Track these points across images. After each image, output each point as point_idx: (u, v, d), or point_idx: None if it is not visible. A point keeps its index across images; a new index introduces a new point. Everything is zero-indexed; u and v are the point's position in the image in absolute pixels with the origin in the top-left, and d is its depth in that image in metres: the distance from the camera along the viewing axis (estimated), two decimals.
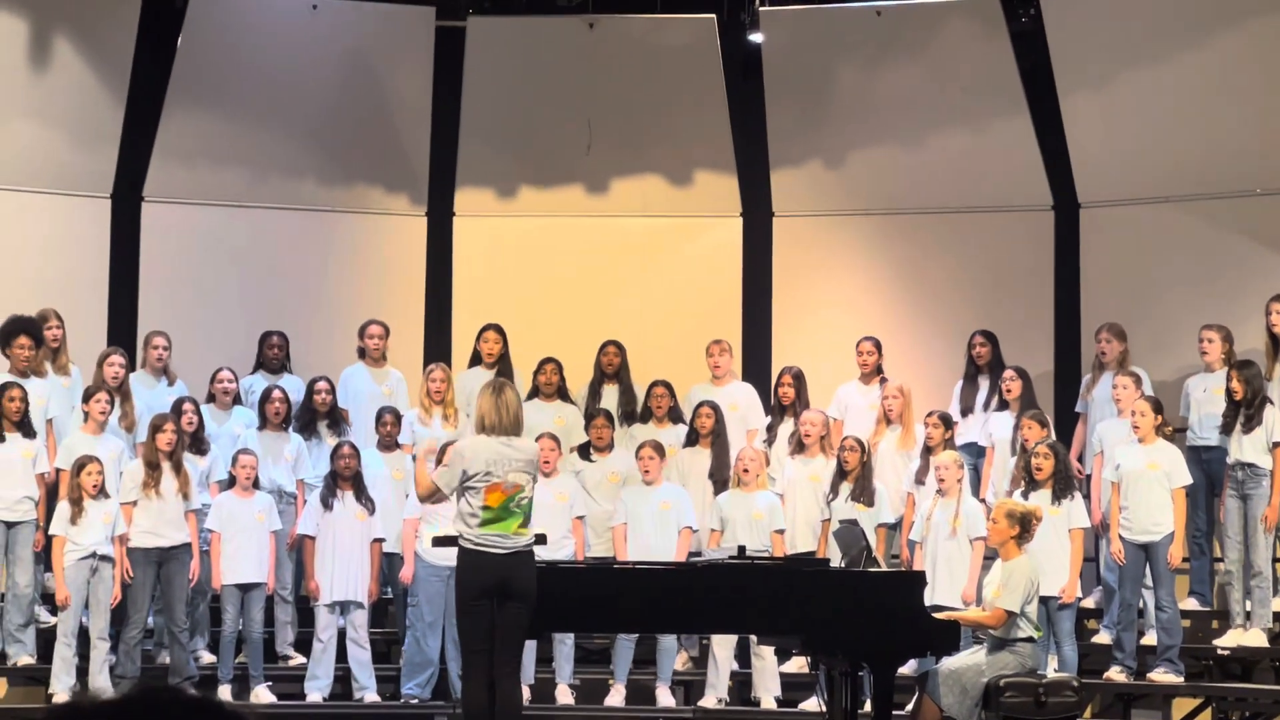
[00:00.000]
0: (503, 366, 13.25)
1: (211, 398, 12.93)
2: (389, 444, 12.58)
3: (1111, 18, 13.77)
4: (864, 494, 12.00)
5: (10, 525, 11.78)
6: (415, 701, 11.89)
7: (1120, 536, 11.58)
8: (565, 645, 12.09)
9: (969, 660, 10.01)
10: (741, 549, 10.44)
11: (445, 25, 14.69)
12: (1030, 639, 9.99)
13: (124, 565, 11.60)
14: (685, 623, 10.44)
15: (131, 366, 12.79)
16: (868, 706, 10.08)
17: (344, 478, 12.04)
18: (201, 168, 14.40)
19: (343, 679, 12.08)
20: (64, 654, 11.44)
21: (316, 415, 12.89)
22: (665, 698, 12.04)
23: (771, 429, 12.92)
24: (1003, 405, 12.61)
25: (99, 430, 12.04)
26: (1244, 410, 11.60)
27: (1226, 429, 11.78)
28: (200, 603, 12.20)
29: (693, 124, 14.71)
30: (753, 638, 11.63)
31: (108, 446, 11.96)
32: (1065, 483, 11.50)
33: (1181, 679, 11.60)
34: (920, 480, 12.09)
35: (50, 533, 11.59)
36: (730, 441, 12.67)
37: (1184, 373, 12.76)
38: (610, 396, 13.26)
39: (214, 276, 14.42)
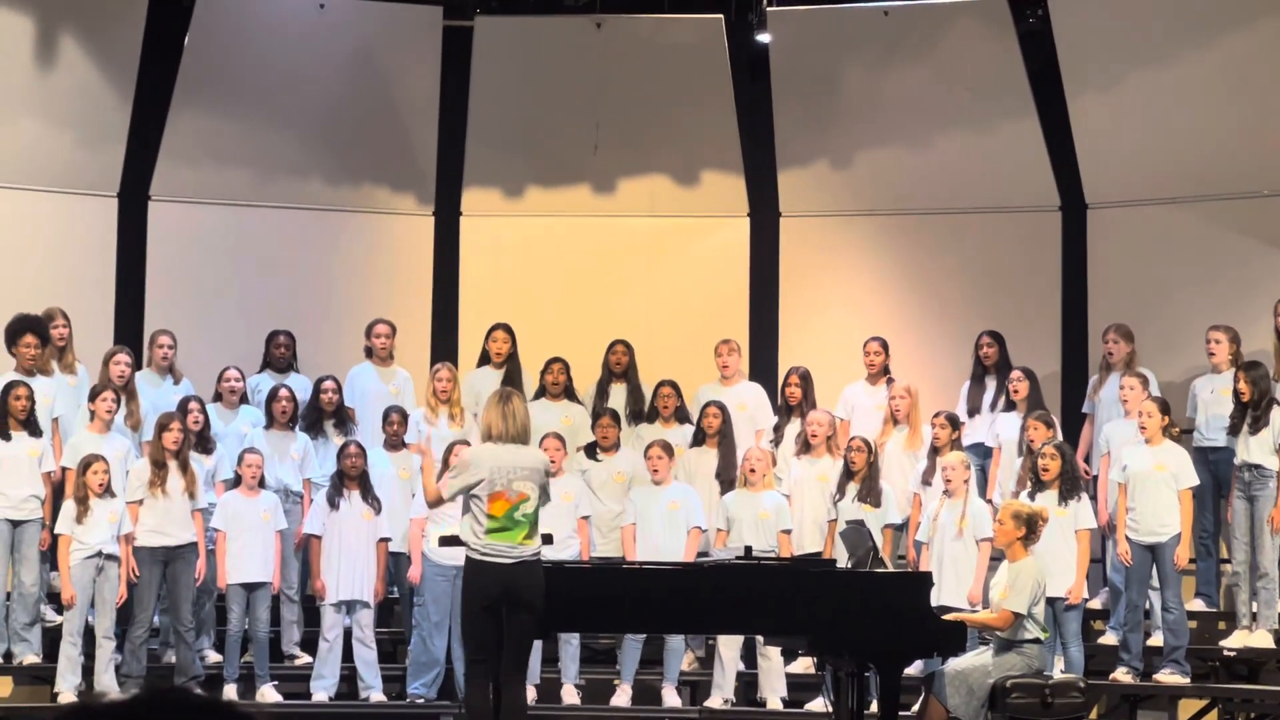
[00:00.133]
0: (511, 366, 13.25)
1: (218, 397, 12.93)
2: (396, 443, 12.58)
3: (1119, 18, 13.76)
4: (870, 494, 11.98)
5: (16, 524, 11.78)
6: (421, 701, 11.89)
7: (1127, 537, 11.57)
8: (571, 645, 12.08)
9: (975, 661, 10.00)
10: (748, 549, 10.44)
11: (452, 25, 14.69)
12: (1037, 640, 9.99)
13: (130, 564, 11.59)
14: (691, 623, 10.43)
15: (137, 365, 12.80)
16: (874, 707, 10.09)
17: (350, 477, 12.04)
18: (208, 167, 14.41)
19: (348, 678, 12.08)
20: (69, 653, 11.44)
21: (323, 414, 12.88)
22: (671, 698, 12.03)
23: (778, 429, 12.91)
24: (1010, 406, 12.60)
25: (105, 429, 12.04)
26: (1251, 411, 11.59)
27: (1234, 430, 11.76)
28: (206, 602, 12.19)
29: (700, 124, 14.70)
30: (759, 638, 11.63)
31: (114, 445, 11.97)
32: (1072, 483, 11.48)
33: (1188, 680, 11.58)
34: (927, 481, 12.08)
35: (56, 532, 11.59)
36: (740, 441, 12.65)
37: (1191, 374, 12.75)
38: (618, 396, 13.25)
39: (220, 276, 14.42)
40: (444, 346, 14.56)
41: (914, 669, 11.23)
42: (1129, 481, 11.60)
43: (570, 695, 12.03)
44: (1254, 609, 11.56)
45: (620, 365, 13.31)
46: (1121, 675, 11.61)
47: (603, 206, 14.88)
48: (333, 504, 12.02)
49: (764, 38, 14.44)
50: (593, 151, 14.65)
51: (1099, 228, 14.13)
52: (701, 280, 14.79)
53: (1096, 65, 13.85)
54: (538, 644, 10.80)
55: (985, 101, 14.23)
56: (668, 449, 12.22)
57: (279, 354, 13.41)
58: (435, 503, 9.63)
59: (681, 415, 13.02)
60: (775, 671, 11.93)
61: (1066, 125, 14.01)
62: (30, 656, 11.73)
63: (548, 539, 9.66)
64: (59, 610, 11.84)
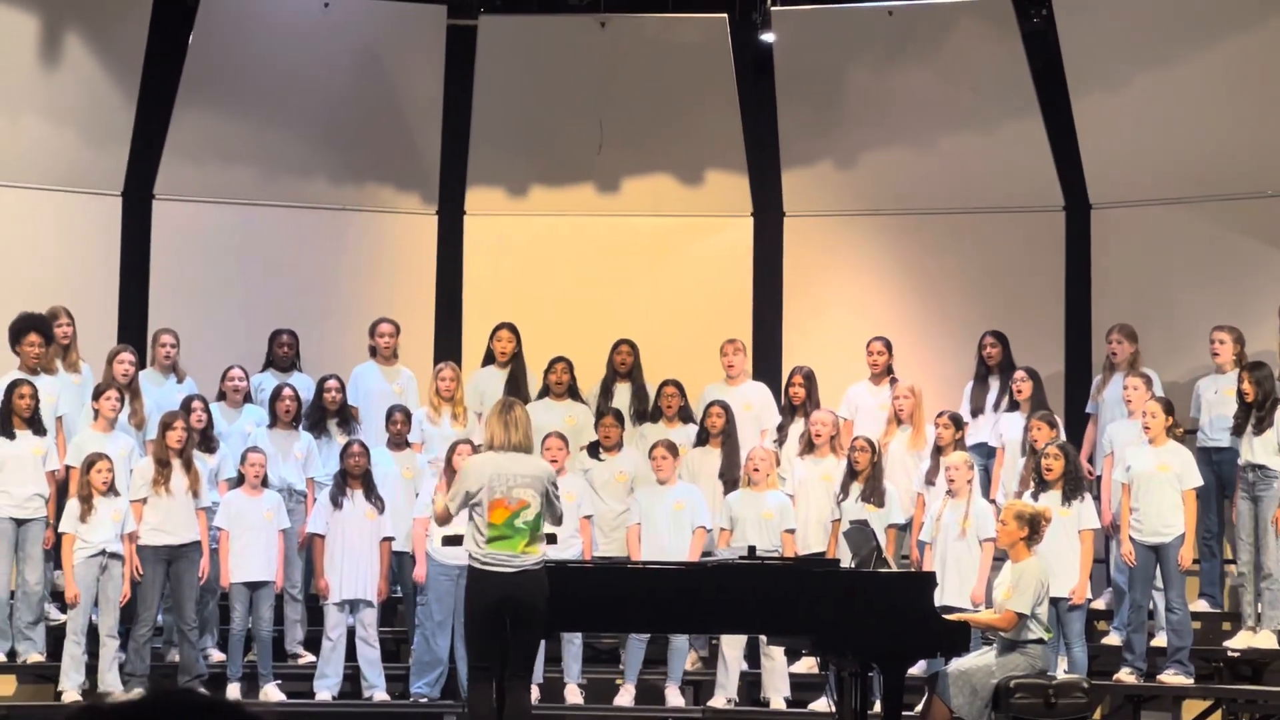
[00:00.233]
0: (515, 365, 13.25)
1: (222, 395, 12.93)
2: (399, 442, 12.58)
3: (1123, 19, 13.75)
4: (874, 494, 11.98)
5: (20, 523, 11.79)
6: (424, 700, 11.89)
7: (1131, 538, 11.57)
8: (573, 645, 12.08)
9: (979, 661, 10.00)
10: (751, 549, 10.43)
11: (457, 24, 14.69)
12: (1040, 640, 9.98)
13: (133, 563, 11.60)
14: (695, 623, 10.43)
15: (141, 364, 12.80)
16: (877, 707, 10.09)
17: (354, 476, 12.04)
18: (212, 166, 14.41)
19: (352, 678, 12.08)
20: (73, 651, 11.44)
21: (326, 413, 12.89)
22: (675, 698, 12.03)
23: (782, 429, 12.91)
24: (1013, 406, 12.59)
25: (109, 428, 12.04)
26: (1255, 412, 11.59)
27: (1238, 430, 11.76)
28: (209, 601, 12.19)
29: (704, 123, 14.70)
30: (762, 638, 11.63)
31: (117, 444, 11.97)
32: (1075, 484, 11.48)
33: (1191, 681, 11.58)
34: (930, 481, 12.08)
35: (60, 530, 11.60)
36: (746, 441, 12.64)
37: (1195, 374, 12.75)
38: (622, 395, 13.24)
39: (225, 274, 14.42)
40: (447, 346, 14.55)
41: (917, 669, 11.20)
42: (1133, 482, 11.60)
43: (573, 695, 12.03)
44: (1258, 610, 11.55)
45: (625, 365, 13.31)
46: (1125, 676, 11.61)
47: (607, 206, 14.88)
48: (336, 503, 12.02)
49: (768, 37, 14.43)
50: (597, 151, 14.64)
51: (1103, 228, 14.12)
52: (705, 280, 14.78)
53: (1100, 65, 13.85)
54: (540, 644, 10.81)
55: (989, 101, 14.22)
56: (672, 449, 12.22)
57: (282, 353, 13.41)
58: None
59: (685, 415, 13.02)
60: (779, 671, 11.93)
61: (1070, 125, 14.00)
62: (34, 655, 11.74)
63: (551, 538, 9.67)
64: (63, 609, 11.85)
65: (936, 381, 13.41)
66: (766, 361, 14.28)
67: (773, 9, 14.26)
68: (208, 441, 12.27)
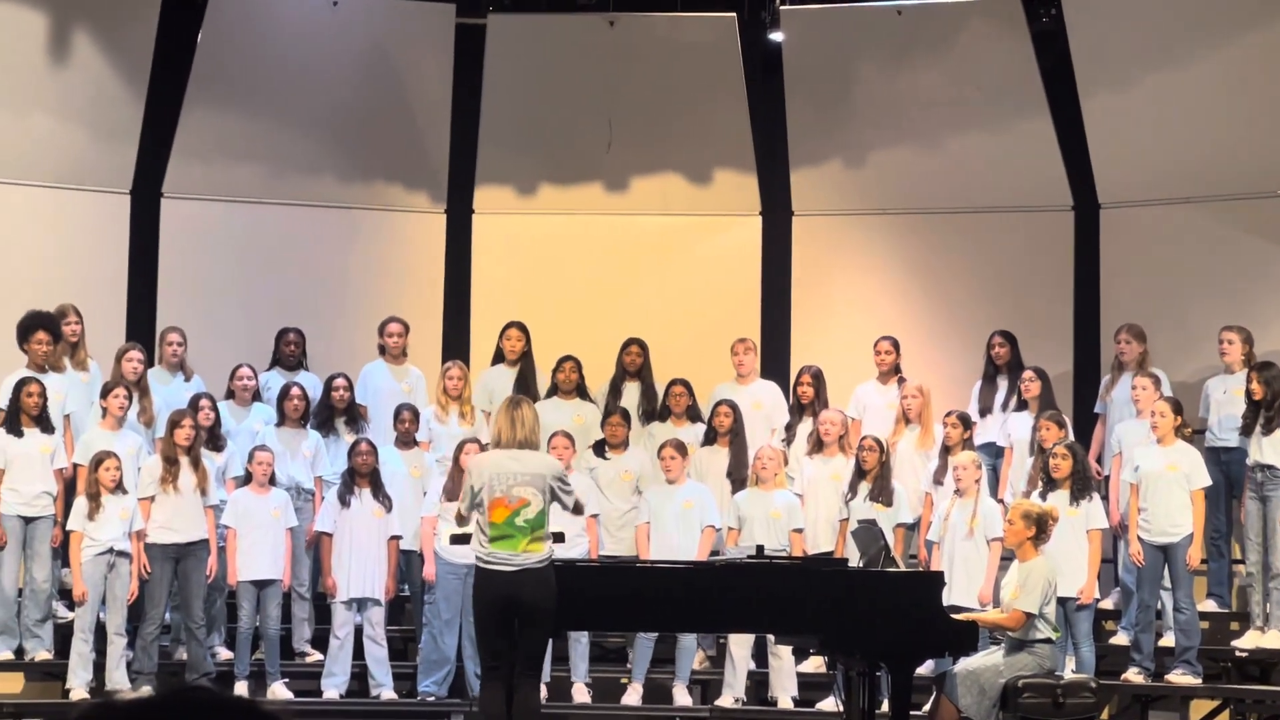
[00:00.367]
0: (525, 364, 13.26)
1: (231, 394, 12.94)
2: (407, 441, 12.58)
3: (1132, 18, 13.74)
4: (882, 494, 11.97)
5: (28, 520, 11.80)
6: (431, 699, 11.89)
7: (1139, 538, 11.56)
8: (581, 643, 12.08)
9: (987, 661, 10.00)
10: (759, 548, 10.43)
11: (465, 22, 14.69)
12: (1048, 640, 9.98)
13: (141, 561, 11.61)
14: (703, 622, 10.43)
15: (150, 362, 12.81)
16: (885, 707, 10.07)
17: (361, 475, 12.04)
18: (220, 164, 14.41)
19: (359, 676, 12.08)
20: (81, 649, 11.45)
21: (334, 412, 12.89)
22: (682, 697, 12.03)
23: (790, 428, 12.90)
24: (1021, 405, 12.59)
25: (117, 426, 12.05)
26: (1264, 412, 11.57)
27: (1246, 430, 11.75)
28: (217, 599, 12.20)
29: (713, 122, 14.69)
30: (770, 637, 11.62)
31: (126, 442, 11.98)
32: (1083, 483, 11.48)
33: (1199, 681, 11.57)
34: (938, 480, 12.07)
35: (68, 528, 11.61)
36: (757, 440, 12.63)
37: (1204, 374, 12.74)
38: (631, 395, 13.24)
39: (233, 273, 14.43)
40: (456, 344, 14.55)
41: (925, 669, 11.23)
42: (1141, 482, 11.59)
43: (581, 694, 12.03)
44: (1266, 609, 11.54)
45: (634, 364, 13.30)
46: (1133, 676, 11.60)
47: (615, 205, 14.88)
48: (344, 502, 12.02)
49: (777, 36, 14.42)
50: (605, 150, 14.64)
51: (1112, 228, 14.10)
52: (713, 279, 14.77)
53: (1110, 65, 13.83)
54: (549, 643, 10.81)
55: (998, 101, 14.21)
56: (681, 448, 12.21)
57: (288, 351, 13.41)
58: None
59: (693, 414, 13.01)
60: (786, 671, 11.93)
61: (1079, 125, 13.99)
62: (42, 653, 11.75)
63: (559, 537, 9.67)
64: (71, 607, 11.85)
65: (945, 381, 13.40)
66: (775, 360, 14.27)
67: (781, 8, 14.26)
68: (215, 440, 12.27)
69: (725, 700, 11.90)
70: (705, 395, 13.09)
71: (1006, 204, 14.32)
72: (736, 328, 13.79)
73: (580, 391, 13.20)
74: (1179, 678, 11.48)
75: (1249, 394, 11.68)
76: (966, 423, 12.21)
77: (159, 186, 14.35)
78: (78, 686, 11.43)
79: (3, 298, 13.04)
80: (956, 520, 11.56)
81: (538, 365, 13.31)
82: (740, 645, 11.90)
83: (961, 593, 11.24)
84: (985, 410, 12.86)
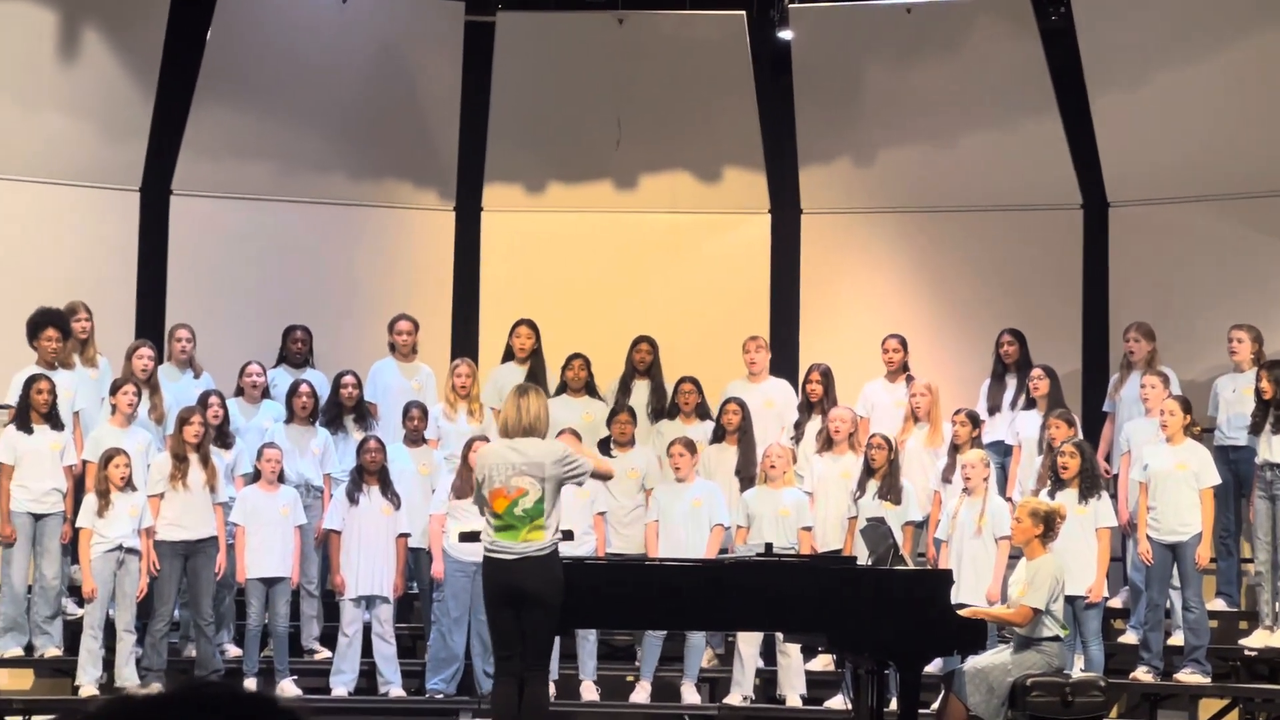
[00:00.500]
0: (535, 362, 13.26)
1: (240, 391, 12.95)
2: (416, 439, 12.59)
3: (1142, 16, 13.72)
4: (891, 492, 11.96)
5: (38, 517, 11.82)
6: (440, 697, 11.90)
7: (1148, 536, 11.55)
8: (589, 641, 12.08)
9: (995, 659, 9.99)
10: (768, 546, 10.43)
11: (475, 20, 14.70)
12: (1056, 638, 9.97)
13: (150, 558, 11.62)
14: (711, 620, 10.41)
15: (160, 359, 12.82)
16: (894, 705, 10.07)
17: (370, 472, 12.05)
18: (230, 162, 14.42)
19: (368, 673, 12.09)
20: (90, 646, 11.46)
21: (343, 410, 12.90)
22: (691, 695, 12.03)
23: (799, 426, 12.90)
24: (1030, 404, 12.58)
25: (126, 423, 12.06)
26: (1273, 410, 11.57)
27: (1255, 429, 11.74)
28: (226, 596, 12.21)
29: (722, 120, 14.69)
30: (778, 635, 11.62)
31: (135, 439, 11.99)
32: (1092, 481, 11.47)
33: (1208, 679, 11.57)
34: (947, 478, 12.06)
35: (77, 525, 11.63)
36: (768, 438, 12.62)
37: (1213, 373, 12.73)
38: (640, 392, 13.24)
39: (242, 270, 14.44)
40: (464, 342, 14.56)
41: (933, 667, 11.21)
42: (1150, 480, 11.59)
43: (589, 691, 12.03)
44: (1275, 608, 11.53)
45: (644, 362, 13.31)
46: (1142, 674, 11.60)
47: (624, 202, 14.88)
48: (352, 499, 12.03)
49: (786, 34, 14.42)
50: (614, 147, 14.64)
51: (1121, 226, 14.10)
52: (722, 276, 14.77)
53: (1119, 63, 13.82)
54: (555, 640, 10.81)
55: (1007, 99, 14.20)
56: (690, 446, 12.21)
57: (295, 349, 13.42)
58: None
59: (702, 412, 13.01)
60: (795, 669, 11.93)
61: (1089, 123, 13.98)
62: (51, 649, 11.76)
63: (568, 535, 9.67)
64: (80, 603, 11.86)
65: (953, 379, 13.39)
66: (783, 358, 14.26)
67: (790, 6, 14.26)
68: (224, 437, 12.29)
69: (733, 698, 11.90)
70: (713, 393, 13.08)
71: (1015, 202, 14.32)
72: (745, 325, 13.79)
73: (589, 389, 13.20)
74: (1188, 677, 11.48)
75: (1258, 393, 11.67)
76: (975, 421, 12.21)
77: (168, 184, 14.36)
78: (87, 683, 11.44)
79: (12, 295, 13.05)
80: (965, 518, 11.56)
81: (547, 363, 13.31)
82: (748, 643, 11.90)
83: (970, 591, 11.23)
84: (994, 409, 12.85)
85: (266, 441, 12.23)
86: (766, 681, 12.16)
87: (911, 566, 10.84)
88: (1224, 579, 12.28)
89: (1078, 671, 10.61)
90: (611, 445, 12.59)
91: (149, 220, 14.32)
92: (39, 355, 12.24)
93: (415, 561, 12.41)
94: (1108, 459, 12.54)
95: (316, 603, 12.39)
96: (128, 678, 11.45)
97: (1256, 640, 11.64)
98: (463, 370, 13.00)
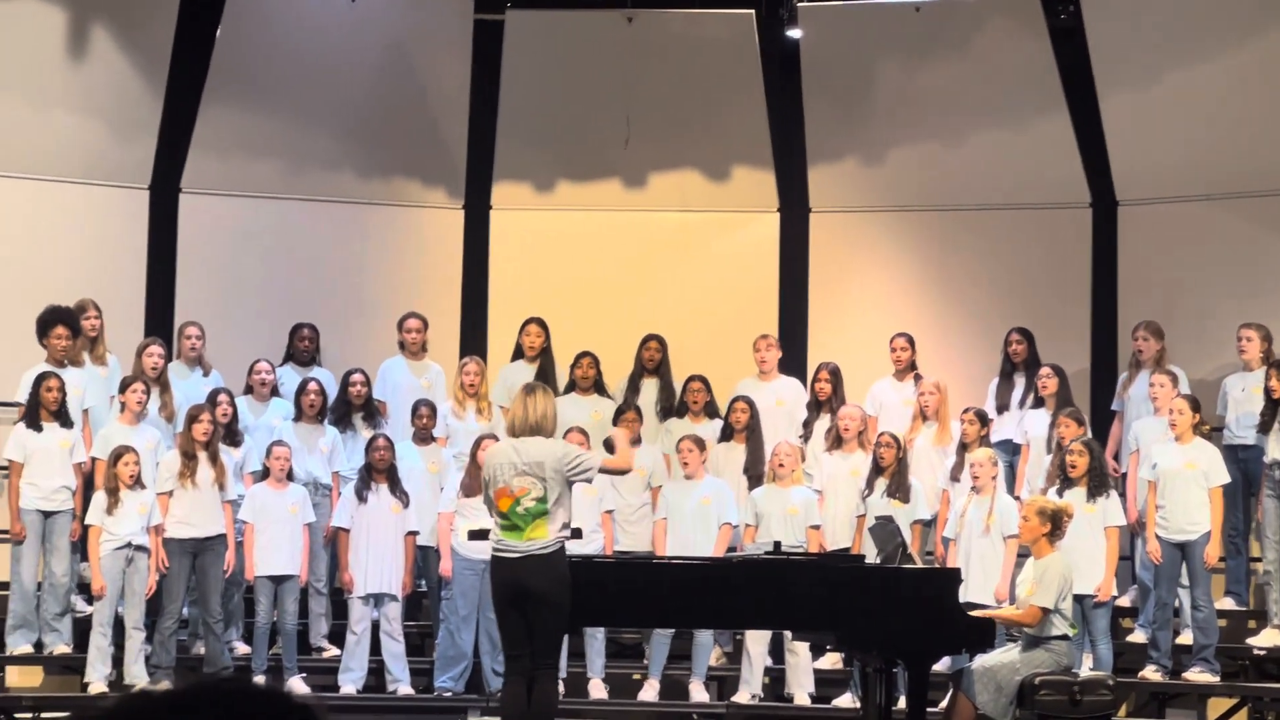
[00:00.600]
0: (544, 360, 13.27)
1: (249, 389, 12.96)
2: (424, 437, 12.59)
3: (1151, 15, 13.72)
4: (899, 490, 11.97)
5: (47, 515, 11.83)
6: (448, 695, 11.91)
7: (1156, 535, 11.54)
8: (597, 640, 12.09)
9: (1004, 658, 9.99)
10: (777, 544, 10.43)
11: (483, 18, 14.70)
12: (1065, 636, 9.97)
13: (159, 555, 11.63)
14: (719, 618, 10.42)
15: (169, 357, 12.83)
16: (902, 703, 10.07)
17: (379, 470, 12.06)
18: (239, 160, 14.43)
19: (376, 671, 12.10)
20: (99, 643, 11.48)
21: (352, 407, 12.91)
22: (699, 693, 12.03)
23: (808, 424, 12.90)
24: (1038, 402, 12.58)
25: (135, 420, 12.08)
26: None
27: (1264, 428, 11.73)
28: (235, 594, 12.22)
29: (731, 119, 14.69)
30: (787, 633, 11.61)
31: (144, 436, 12.00)
32: (1100, 480, 11.46)
33: (1217, 679, 11.56)
34: (955, 477, 12.06)
35: (86, 522, 11.64)
36: (778, 436, 12.61)
37: (1222, 371, 12.72)
38: (649, 390, 13.25)
39: (251, 268, 14.45)
40: (473, 340, 14.56)
41: (942, 665, 11.22)
42: (1159, 479, 11.58)
43: (597, 690, 12.04)
44: None
45: (653, 361, 13.32)
46: (1150, 673, 11.59)
47: (633, 201, 14.88)
48: (361, 497, 12.04)
49: (795, 33, 14.41)
50: (623, 146, 14.64)
51: (1130, 224, 14.09)
52: (731, 275, 14.77)
53: (1128, 61, 13.81)
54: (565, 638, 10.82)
55: (1016, 98, 14.19)
56: (699, 443, 12.21)
57: (302, 347, 13.43)
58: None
59: (711, 410, 13.01)
60: (803, 667, 11.92)
61: (1098, 121, 13.97)
62: (61, 646, 11.78)
63: (576, 533, 9.67)
64: (89, 601, 11.88)
65: (962, 378, 13.40)
66: (792, 357, 14.26)
67: (799, 5, 14.24)
68: (232, 435, 12.30)
69: (742, 696, 11.90)
70: (722, 391, 13.08)
71: (1024, 201, 14.31)
72: (754, 324, 13.80)
73: (598, 387, 13.21)
74: (1196, 676, 11.47)
75: (1267, 391, 11.66)
76: (983, 419, 12.21)
77: (178, 182, 14.37)
78: (96, 680, 11.46)
79: (22, 292, 13.07)
80: (973, 517, 11.55)
81: (556, 361, 13.32)
82: (757, 642, 11.89)
83: (978, 589, 11.23)
84: (1002, 407, 12.85)
85: (275, 439, 12.24)
86: (775, 680, 12.15)
87: (920, 565, 10.84)
88: (1233, 578, 12.27)
89: (1086, 670, 10.61)
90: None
91: (158, 218, 14.33)
92: (48, 353, 12.26)
93: (424, 559, 12.41)
94: (1116, 458, 12.54)
95: (325, 600, 12.39)
96: (137, 675, 11.46)
97: (1265, 639, 11.64)
98: (471, 368, 13.00)
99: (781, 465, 12.02)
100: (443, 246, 14.89)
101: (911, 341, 13.10)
